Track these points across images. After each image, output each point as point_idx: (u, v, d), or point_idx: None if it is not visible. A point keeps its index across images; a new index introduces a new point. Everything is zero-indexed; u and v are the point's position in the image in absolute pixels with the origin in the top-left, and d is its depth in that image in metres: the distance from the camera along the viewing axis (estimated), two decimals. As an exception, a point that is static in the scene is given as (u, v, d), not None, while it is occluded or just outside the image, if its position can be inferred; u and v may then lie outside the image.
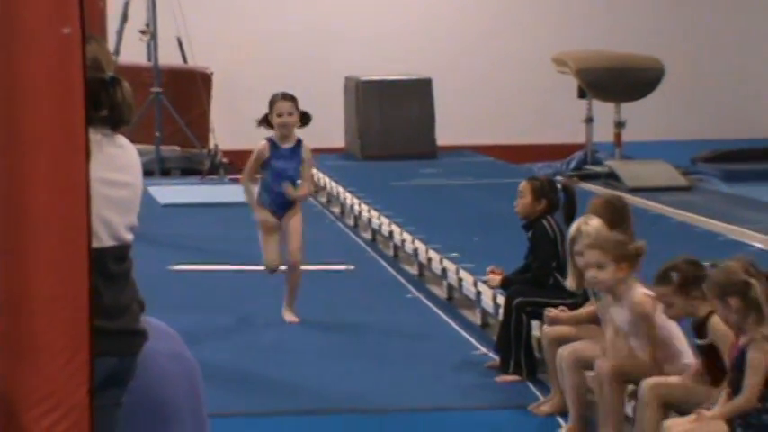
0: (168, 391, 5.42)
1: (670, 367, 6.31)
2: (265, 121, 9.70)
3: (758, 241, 11.25)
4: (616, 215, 7.08)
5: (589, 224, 6.92)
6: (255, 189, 9.72)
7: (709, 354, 5.92)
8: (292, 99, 9.67)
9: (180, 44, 17.49)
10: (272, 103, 9.70)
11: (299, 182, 9.48)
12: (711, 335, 5.87)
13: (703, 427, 5.63)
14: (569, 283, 7.11)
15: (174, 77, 17.38)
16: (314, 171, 16.34)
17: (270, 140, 9.65)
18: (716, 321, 5.80)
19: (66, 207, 3.70)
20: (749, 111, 19.50)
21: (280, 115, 9.52)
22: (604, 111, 16.37)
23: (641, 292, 6.53)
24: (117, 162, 4.19)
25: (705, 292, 5.77)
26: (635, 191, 14.15)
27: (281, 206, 9.55)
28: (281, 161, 9.54)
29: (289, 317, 9.35)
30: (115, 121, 4.17)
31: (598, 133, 16.41)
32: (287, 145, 9.61)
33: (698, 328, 6.01)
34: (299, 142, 9.70)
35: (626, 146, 16.41)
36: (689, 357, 6.30)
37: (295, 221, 9.57)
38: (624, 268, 6.62)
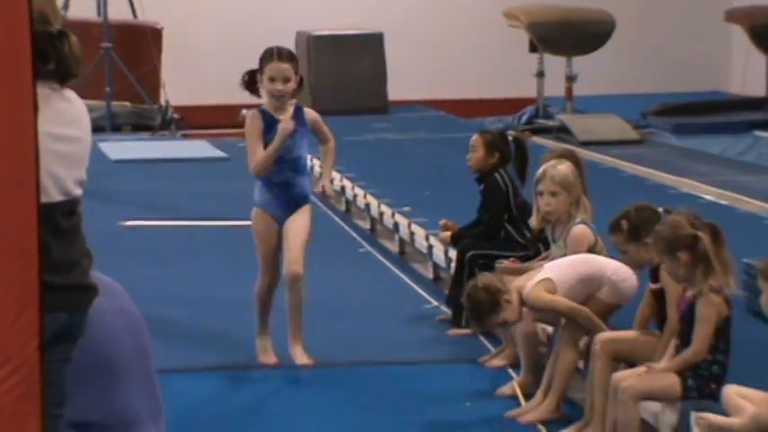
0: (116, 347, 5.42)
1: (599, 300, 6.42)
2: (251, 83, 7.30)
3: (708, 194, 11.37)
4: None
5: (557, 167, 6.98)
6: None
7: (661, 298, 5.98)
8: (290, 59, 7.25)
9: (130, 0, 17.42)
10: (263, 60, 7.22)
11: (313, 166, 7.74)
12: (663, 281, 5.93)
13: (654, 380, 5.70)
14: (533, 221, 7.13)
15: (124, 33, 17.33)
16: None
17: (261, 111, 7.26)
18: None
19: (13, 162, 3.70)
20: (699, 64, 19.60)
21: (272, 79, 7.13)
22: (555, 65, 16.43)
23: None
24: (65, 116, 4.18)
25: (653, 247, 5.83)
26: (586, 144, 14.22)
27: (289, 205, 7.29)
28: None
29: (299, 357, 7.21)
30: (63, 75, 4.15)
31: (549, 87, 16.46)
32: (284, 116, 7.18)
33: (653, 273, 6.07)
34: (298, 108, 7.31)
35: (577, 100, 16.48)
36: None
37: (300, 220, 7.31)
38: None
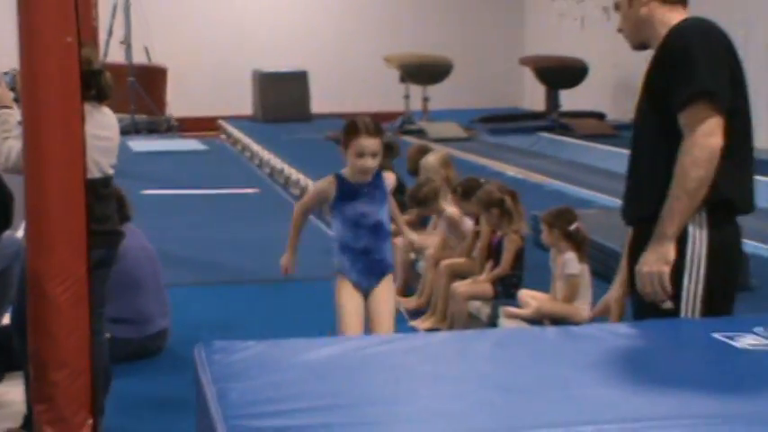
0: (138, 270, 5.42)
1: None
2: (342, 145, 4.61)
3: (510, 171, 11.47)
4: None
5: (435, 154, 7.02)
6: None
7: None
8: (378, 133, 4.52)
9: (146, 50, 17.20)
10: (348, 134, 4.54)
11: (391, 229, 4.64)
12: (482, 225, 5.98)
13: (477, 287, 5.76)
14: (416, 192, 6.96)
15: (143, 71, 17.09)
16: (232, 129, 16.51)
17: (339, 178, 4.58)
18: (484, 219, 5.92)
19: (69, 152, 3.69)
20: (505, 90, 19.78)
21: (361, 155, 4.45)
22: (416, 90, 16.46)
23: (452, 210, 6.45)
24: (102, 124, 4.18)
25: (476, 205, 5.88)
26: (435, 140, 14.22)
27: (371, 272, 4.56)
28: (359, 202, 4.50)
29: None
30: (101, 98, 4.17)
31: (413, 105, 16.48)
32: (363, 180, 4.52)
33: (476, 220, 6.12)
34: (378, 175, 4.55)
35: (430, 113, 16.50)
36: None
37: (385, 293, 4.57)
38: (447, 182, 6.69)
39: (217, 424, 2.18)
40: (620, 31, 3.24)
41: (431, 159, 6.91)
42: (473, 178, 6.35)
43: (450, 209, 6.39)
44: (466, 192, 6.12)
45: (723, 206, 2.97)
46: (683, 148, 2.91)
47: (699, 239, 2.93)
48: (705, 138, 2.89)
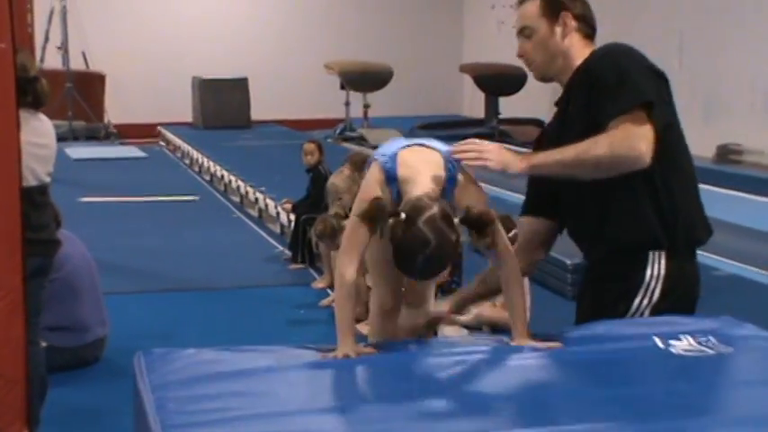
0: (76, 278, 5.36)
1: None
2: None
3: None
4: (361, 165, 7.13)
5: (340, 175, 7.01)
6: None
7: None
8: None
9: (84, 56, 17.02)
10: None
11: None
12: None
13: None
14: (332, 211, 7.14)
15: (81, 77, 16.94)
16: (172, 136, 16.43)
17: None
18: None
19: (4, 159, 3.64)
20: (446, 97, 19.91)
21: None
22: (356, 97, 16.48)
23: None
24: (38, 131, 4.12)
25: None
26: (376, 147, 14.19)
27: None
28: None
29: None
30: (37, 104, 4.11)
31: (353, 112, 16.51)
32: None
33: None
34: None
35: (371, 119, 16.55)
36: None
37: None
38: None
39: (155, 433, 2.16)
40: (522, 57, 2.95)
41: (336, 181, 6.94)
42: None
43: None
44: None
45: (685, 237, 2.85)
46: (609, 130, 2.68)
47: (658, 265, 2.80)
48: (635, 139, 2.65)
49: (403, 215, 2.53)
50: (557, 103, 3.01)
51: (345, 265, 2.67)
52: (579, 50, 2.92)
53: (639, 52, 2.85)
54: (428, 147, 2.85)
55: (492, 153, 2.71)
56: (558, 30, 2.89)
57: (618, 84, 2.72)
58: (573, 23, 2.90)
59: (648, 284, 2.79)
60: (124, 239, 8.83)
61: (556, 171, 2.74)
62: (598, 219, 2.84)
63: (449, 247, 2.53)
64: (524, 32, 2.92)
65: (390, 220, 2.55)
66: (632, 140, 2.65)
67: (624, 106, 2.69)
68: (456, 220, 2.58)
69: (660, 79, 2.82)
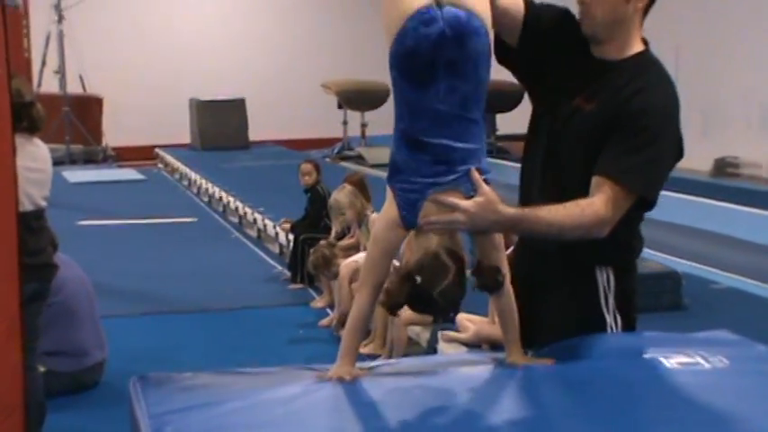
0: (74, 301, 5.35)
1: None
2: None
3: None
4: (361, 186, 7.15)
5: (334, 197, 7.01)
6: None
7: None
8: None
9: (81, 79, 17.04)
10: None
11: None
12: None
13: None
14: (335, 227, 7.18)
15: (78, 101, 16.97)
16: (170, 158, 16.43)
17: None
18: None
19: (1, 185, 3.64)
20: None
21: None
22: (354, 116, 16.51)
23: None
24: (34, 155, 4.13)
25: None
26: (374, 166, 14.29)
27: None
28: None
29: None
30: (32, 130, 4.12)
31: (351, 130, 16.55)
32: None
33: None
34: None
35: (368, 138, 16.58)
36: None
37: None
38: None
39: (152, 458, 2.16)
40: (582, 5, 2.75)
41: (339, 197, 6.95)
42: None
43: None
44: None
45: (629, 255, 2.86)
46: (597, 202, 2.60)
47: (606, 281, 2.79)
48: (605, 227, 2.61)
49: (418, 279, 2.50)
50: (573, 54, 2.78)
51: (364, 298, 2.68)
52: (636, 35, 2.77)
53: (678, 106, 2.73)
54: None
55: (464, 222, 2.54)
56: (632, 1, 2.72)
57: (642, 146, 2.64)
58: (643, 4, 2.75)
59: (606, 295, 2.79)
60: (122, 262, 8.82)
61: (534, 231, 2.65)
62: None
63: (459, 301, 2.56)
64: None
65: (405, 282, 2.52)
66: (601, 227, 2.61)
67: (625, 181, 2.62)
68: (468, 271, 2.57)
69: (678, 153, 2.74)
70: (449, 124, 2.53)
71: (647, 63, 2.79)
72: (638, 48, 2.79)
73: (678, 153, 2.75)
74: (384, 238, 2.63)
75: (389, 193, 2.64)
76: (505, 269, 2.67)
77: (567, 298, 2.81)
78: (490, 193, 2.54)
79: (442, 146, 2.53)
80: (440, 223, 2.53)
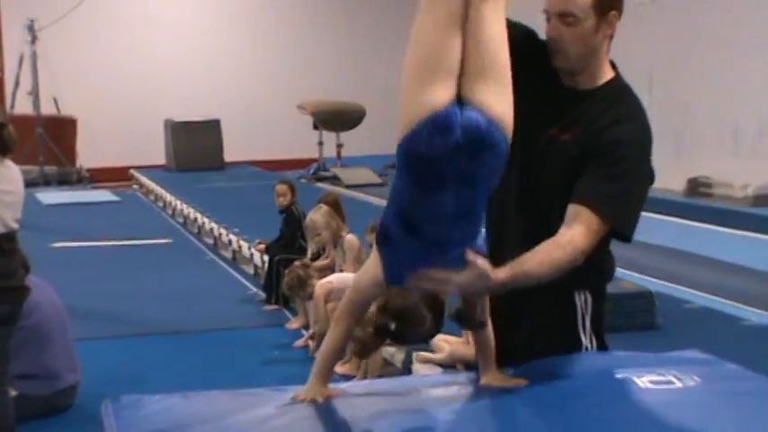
0: (46, 324, 5.31)
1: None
2: None
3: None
4: (336, 207, 7.14)
5: (310, 217, 7.01)
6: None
7: None
8: None
9: (55, 101, 16.98)
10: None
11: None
12: None
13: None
14: (310, 247, 7.18)
15: (52, 122, 16.93)
16: (145, 179, 16.36)
17: None
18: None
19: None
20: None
21: None
22: (329, 137, 16.53)
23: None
24: (6, 177, 4.11)
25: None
26: (350, 187, 14.31)
27: None
28: None
29: None
30: (3, 151, 4.10)
31: (326, 151, 16.55)
32: None
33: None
34: None
35: (344, 159, 16.59)
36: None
37: None
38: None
39: (123, 481, 2.14)
40: (553, 40, 2.73)
41: (315, 217, 6.94)
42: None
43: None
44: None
45: (604, 277, 2.89)
46: (576, 237, 2.60)
47: (584, 304, 2.83)
48: (579, 256, 2.61)
49: (392, 326, 2.51)
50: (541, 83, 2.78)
51: (341, 333, 2.64)
52: (605, 61, 2.79)
53: (651, 136, 2.75)
54: None
55: (455, 291, 2.52)
56: (602, 29, 2.72)
57: (620, 175, 2.66)
58: (612, 31, 2.75)
59: (584, 318, 2.82)
60: (96, 284, 8.77)
61: (522, 281, 2.59)
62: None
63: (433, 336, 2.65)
64: (567, 19, 2.70)
65: (380, 334, 2.56)
66: (580, 258, 2.61)
67: (603, 210, 2.63)
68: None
69: (650, 181, 2.76)
70: (452, 219, 2.41)
71: (620, 92, 2.80)
72: (609, 74, 2.81)
73: (651, 181, 2.77)
74: (366, 291, 2.60)
75: (376, 252, 2.57)
76: (487, 312, 2.66)
77: (547, 322, 2.82)
78: (483, 265, 2.45)
79: (441, 233, 2.43)
80: (429, 286, 2.49)
